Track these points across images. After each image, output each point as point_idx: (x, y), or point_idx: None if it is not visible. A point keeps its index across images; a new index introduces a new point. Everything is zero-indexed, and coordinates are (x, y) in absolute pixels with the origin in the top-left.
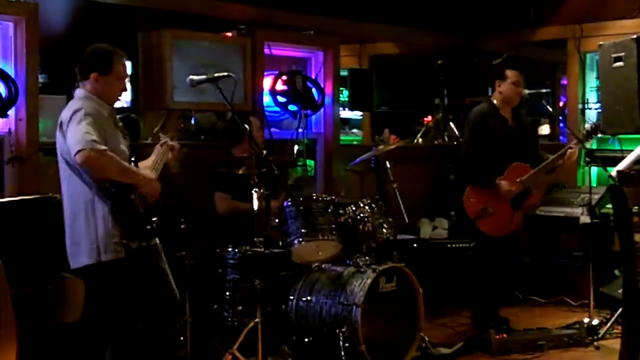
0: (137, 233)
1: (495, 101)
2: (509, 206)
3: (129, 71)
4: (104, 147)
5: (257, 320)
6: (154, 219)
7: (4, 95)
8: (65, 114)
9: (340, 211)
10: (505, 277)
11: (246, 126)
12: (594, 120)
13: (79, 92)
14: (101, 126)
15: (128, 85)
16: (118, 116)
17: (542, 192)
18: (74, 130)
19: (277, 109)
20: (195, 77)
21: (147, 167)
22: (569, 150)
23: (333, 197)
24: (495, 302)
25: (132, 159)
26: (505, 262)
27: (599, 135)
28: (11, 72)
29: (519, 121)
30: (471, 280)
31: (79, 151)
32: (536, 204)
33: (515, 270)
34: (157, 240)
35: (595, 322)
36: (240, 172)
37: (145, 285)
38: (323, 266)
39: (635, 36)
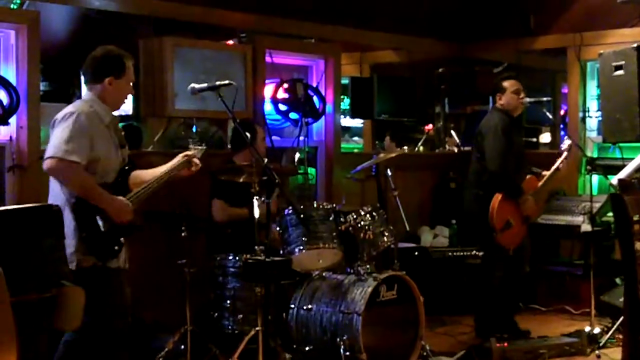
0: (94, 251)
1: (505, 110)
2: (522, 219)
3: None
4: (76, 160)
5: (257, 328)
6: (120, 239)
7: (5, 103)
8: (60, 114)
9: (341, 219)
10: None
11: (247, 134)
12: (595, 128)
13: (86, 95)
14: (91, 135)
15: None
16: (120, 124)
17: (543, 203)
18: (56, 133)
19: (278, 117)
20: (196, 85)
21: (154, 176)
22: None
23: (334, 205)
24: (510, 310)
25: (126, 167)
26: (515, 272)
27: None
28: (12, 79)
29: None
30: (474, 289)
31: (48, 157)
32: (538, 214)
33: (516, 278)
34: (121, 263)
35: (596, 330)
36: (241, 179)
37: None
38: (324, 274)
39: (635, 45)
